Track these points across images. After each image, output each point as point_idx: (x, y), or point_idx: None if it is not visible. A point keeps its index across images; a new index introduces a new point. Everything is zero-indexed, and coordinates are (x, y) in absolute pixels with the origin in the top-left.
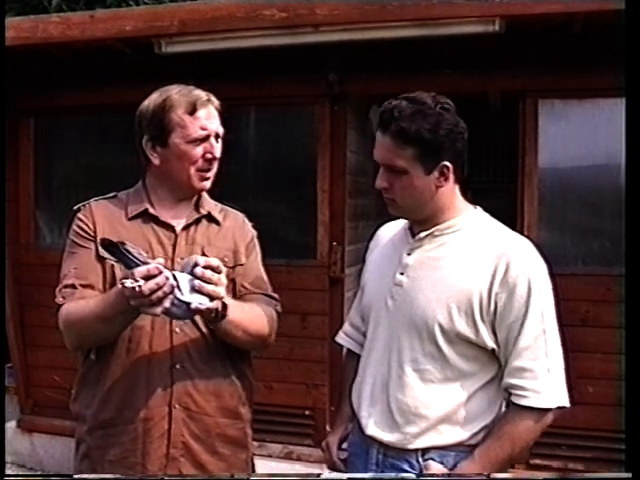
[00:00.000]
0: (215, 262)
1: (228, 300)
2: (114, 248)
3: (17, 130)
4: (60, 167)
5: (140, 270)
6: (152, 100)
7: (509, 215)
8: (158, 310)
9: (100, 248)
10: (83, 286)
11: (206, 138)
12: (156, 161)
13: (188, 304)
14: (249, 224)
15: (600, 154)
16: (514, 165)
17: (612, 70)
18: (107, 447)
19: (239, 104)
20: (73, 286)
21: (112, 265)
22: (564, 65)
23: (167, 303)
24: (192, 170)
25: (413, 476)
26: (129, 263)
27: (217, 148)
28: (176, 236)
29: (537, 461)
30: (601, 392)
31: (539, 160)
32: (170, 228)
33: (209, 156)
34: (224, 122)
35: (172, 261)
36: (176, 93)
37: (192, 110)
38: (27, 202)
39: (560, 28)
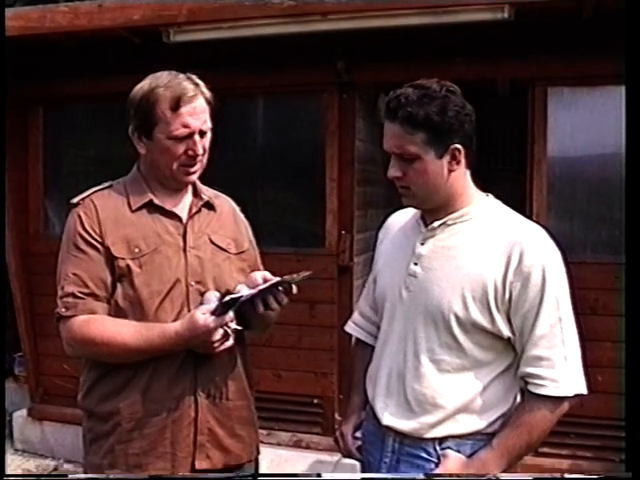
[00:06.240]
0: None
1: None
2: (233, 302)
3: (26, 119)
4: (69, 156)
5: (231, 315)
6: (141, 89)
7: (518, 203)
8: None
9: (222, 301)
10: (85, 294)
11: (189, 136)
12: (142, 150)
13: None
14: (237, 207)
15: (609, 142)
16: (523, 153)
17: (622, 57)
18: (130, 441)
19: (247, 92)
20: (74, 295)
21: (118, 275)
22: (573, 52)
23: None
24: (175, 165)
25: (422, 476)
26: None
27: (200, 145)
28: (184, 226)
29: (546, 449)
30: (610, 380)
31: (548, 148)
32: (176, 217)
33: (191, 153)
34: (214, 114)
35: (185, 251)
36: (163, 85)
37: (175, 106)
38: (36, 191)
39: (569, 15)
